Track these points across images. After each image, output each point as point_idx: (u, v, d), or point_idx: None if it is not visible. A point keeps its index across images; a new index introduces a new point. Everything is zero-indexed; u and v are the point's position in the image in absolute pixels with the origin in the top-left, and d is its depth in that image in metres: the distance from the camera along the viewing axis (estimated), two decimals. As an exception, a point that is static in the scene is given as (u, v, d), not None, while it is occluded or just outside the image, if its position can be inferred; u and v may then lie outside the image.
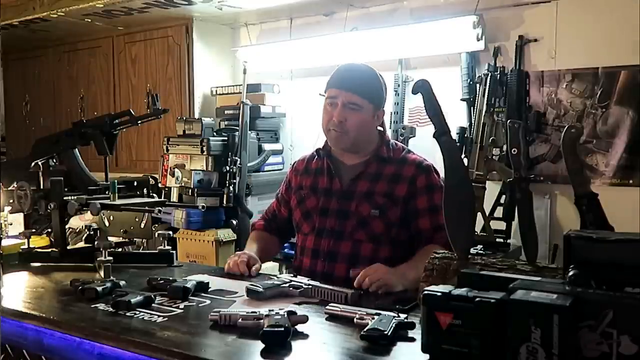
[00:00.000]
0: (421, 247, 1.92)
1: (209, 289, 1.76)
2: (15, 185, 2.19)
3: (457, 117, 2.92)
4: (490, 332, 1.11)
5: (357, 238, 1.93)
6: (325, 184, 2.03)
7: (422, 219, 1.93)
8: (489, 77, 2.81)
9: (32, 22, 3.94)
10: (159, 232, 2.17)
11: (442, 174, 1.67)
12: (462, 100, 2.96)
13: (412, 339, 1.32)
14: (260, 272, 1.98)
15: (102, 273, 1.93)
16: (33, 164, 2.25)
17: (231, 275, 1.98)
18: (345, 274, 1.89)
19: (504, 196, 2.77)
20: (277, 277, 1.80)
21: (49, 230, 2.21)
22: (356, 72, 2.02)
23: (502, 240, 2.72)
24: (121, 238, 2.19)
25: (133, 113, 2.29)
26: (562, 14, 2.85)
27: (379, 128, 2.08)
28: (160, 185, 3.11)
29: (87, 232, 2.18)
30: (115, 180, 2.09)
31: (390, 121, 3.17)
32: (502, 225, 2.74)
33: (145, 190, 2.23)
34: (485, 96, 2.78)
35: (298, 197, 2.08)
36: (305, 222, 2.04)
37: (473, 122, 2.83)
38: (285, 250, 3.27)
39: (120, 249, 2.25)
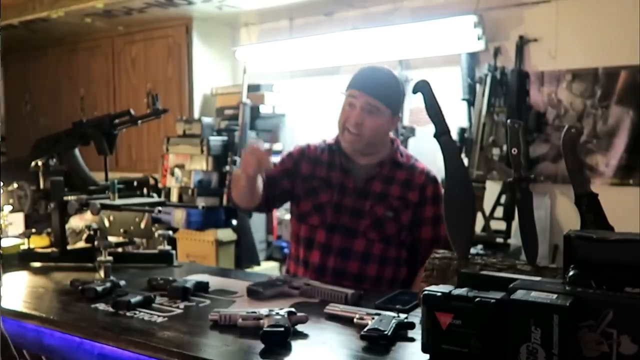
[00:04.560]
0: (419, 256, 1.95)
1: (209, 289, 1.76)
2: (15, 185, 2.19)
3: (457, 117, 2.92)
4: (490, 332, 1.11)
5: (370, 237, 1.94)
6: (339, 179, 2.01)
7: (425, 228, 1.96)
8: (489, 77, 2.81)
9: (32, 22, 3.95)
10: (159, 232, 2.17)
11: (442, 174, 1.67)
12: (462, 100, 2.96)
13: (412, 339, 1.32)
14: (259, 271, 1.97)
15: (102, 273, 1.93)
16: (33, 164, 2.25)
17: (231, 275, 1.99)
18: (357, 272, 1.90)
19: (504, 196, 2.77)
20: (277, 277, 1.80)
21: (49, 230, 2.21)
22: (379, 76, 1.99)
23: (502, 240, 2.73)
24: (121, 238, 2.19)
25: (133, 113, 2.29)
26: (562, 14, 2.85)
27: (391, 134, 2.08)
28: (160, 185, 3.11)
29: (87, 232, 2.18)
30: (115, 180, 2.09)
31: (390, 121, 3.17)
32: (502, 225, 2.74)
33: (145, 190, 2.23)
34: (485, 96, 2.78)
35: (308, 187, 2.04)
36: (315, 214, 2.01)
37: (473, 122, 2.84)
38: (285, 250, 3.27)
39: (120, 249, 2.25)
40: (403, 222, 1.94)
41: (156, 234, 2.17)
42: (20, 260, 2.14)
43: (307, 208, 2.04)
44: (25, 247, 2.17)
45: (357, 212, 1.96)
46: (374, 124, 1.94)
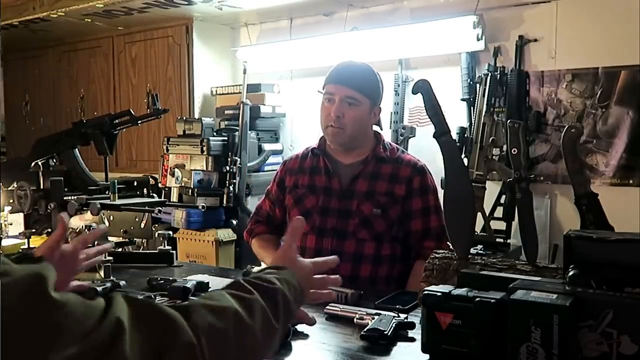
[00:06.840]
0: (412, 250, 1.98)
1: (209, 289, 1.76)
2: (15, 185, 2.19)
3: (457, 117, 2.92)
4: (490, 332, 1.11)
5: (360, 237, 1.95)
6: (324, 182, 2.03)
7: (414, 221, 1.98)
8: (489, 77, 2.80)
9: (32, 22, 3.94)
10: (159, 232, 2.17)
11: (442, 174, 1.67)
12: (462, 100, 2.96)
13: (412, 339, 1.32)
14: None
15: (102, 273, 1.93)
16: (33, 164, 2.25)
17: (231, 275, 1.99)
18: (350, 273, 1.91)
19: (504, 196, 2.77)
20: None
21: (49, 230, 2.21)
22: (353, 69, 2.03)
23: (502, 240, 2.72)
24: (121, 238, 2.19)
25: (133, 113, 2.29)
26: (562, 14, 2.85)
27: (375, 127, 2.09)
28: (160, 185, 3.12)
29: (87, 232, 2.18)
30: (115, 180, 2.10)
31: (390, 121, 3.17)
32: (502, 225, 2.74)
33: (145, 190, 2.23)
34: (485, 96, 2.78)
35: (294, 197, 2.08)
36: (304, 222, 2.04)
37: (473, 122, 2.83)
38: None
39: (120, 249, 2.25)
40: (392, 217, 1.95)
41: (156, 234, 2.17)
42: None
43: (295, 216, 2.06)
44: (25, 247, 2.17)
45: (344, 213, 1.97)
46: (354, 115, 1.96)
